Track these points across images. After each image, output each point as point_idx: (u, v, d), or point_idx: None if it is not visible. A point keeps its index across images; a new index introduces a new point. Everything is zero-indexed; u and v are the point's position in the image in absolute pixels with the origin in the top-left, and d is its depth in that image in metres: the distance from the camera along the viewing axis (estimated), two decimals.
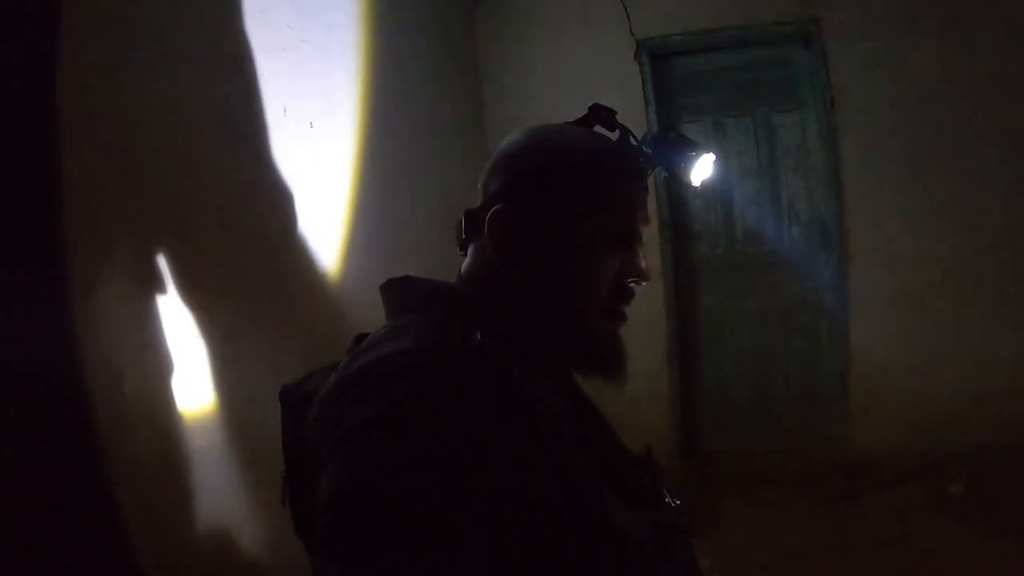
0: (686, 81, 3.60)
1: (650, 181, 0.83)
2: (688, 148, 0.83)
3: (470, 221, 0.77)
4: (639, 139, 0.81)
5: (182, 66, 1.56)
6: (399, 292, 0.75)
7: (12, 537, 1.12)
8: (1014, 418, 3.01)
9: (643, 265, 0.76)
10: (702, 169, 0.86)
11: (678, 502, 0.78)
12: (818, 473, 3.17)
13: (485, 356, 0.62)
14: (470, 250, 0.78)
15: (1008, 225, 3.14)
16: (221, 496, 1.56)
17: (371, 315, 0.77)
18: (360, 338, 0.73)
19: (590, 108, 0.82)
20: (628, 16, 3.41)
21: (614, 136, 0.80)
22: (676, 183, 3.38)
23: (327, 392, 0.64)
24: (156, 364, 1.43)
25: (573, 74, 3.45)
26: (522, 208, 0.73)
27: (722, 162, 3.54)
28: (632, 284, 0.76)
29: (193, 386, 1.51)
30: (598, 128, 0.82)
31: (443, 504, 0.52)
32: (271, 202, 1.87)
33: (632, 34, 3.44)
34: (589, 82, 3.38)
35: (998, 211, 3.15)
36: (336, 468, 0.56)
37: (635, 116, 3.32)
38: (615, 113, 0.82)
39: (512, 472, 0.58)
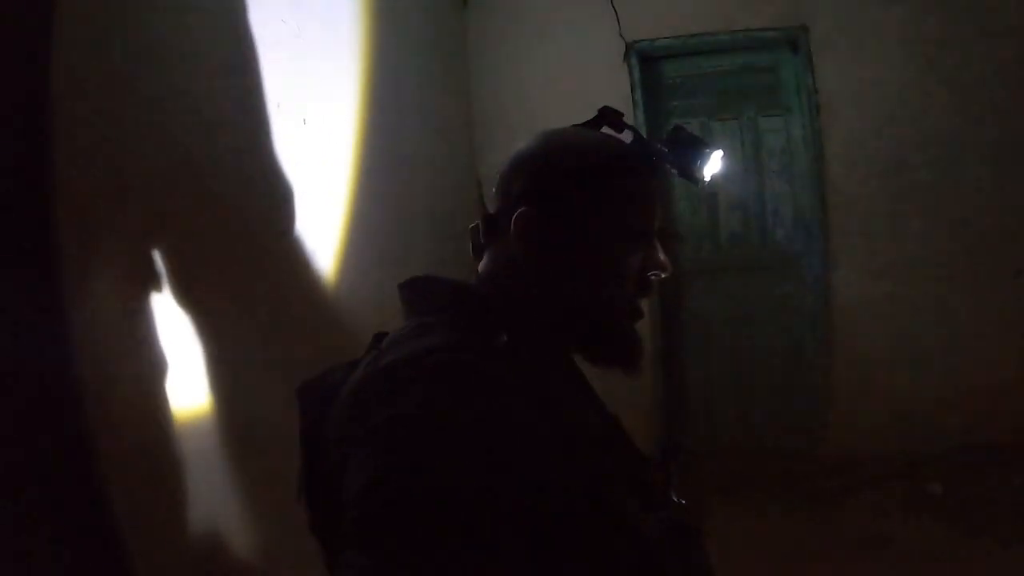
0: (674, 84, 3.63)
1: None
2: (700, 145, 0.84)
3: (490, 225, 0.78)
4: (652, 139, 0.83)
5: (175, 63, 1.54)
6: (422, 291, 0.76)
7: (3, 538, 1.09)
8: (994, 417, 3.08)
9: (662, 258, 0.79)
10: (712, 165, 0.88)
11: (683, 501, 0.80)
12: (799, 473, 3.20)
13: (511, 356, 0.63)
14: (488, 253, 0.79)
15: (991, 228, 3.21)
16: (215, 498, 1.54)
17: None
18: (379, 337, 0.73)
19: (599, 111, 0.84)
20: (618, 18, 3.43)
21: (623, 138, 0.81)
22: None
23: (354, 387, 0.64)
24: (150, 364, 1.40)
25: (562, 75, 3.45)
26: (547, 209, 0.74)
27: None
28: (653, 276, 0.79)
29: (187, 387, 1.48)
30: (606, 130, 0.83)
31: (475, 501, 0.53)
32: (265, 200, 1.85)
33: (622, 36, 3.46)
34: (578, 83, 3.37)
35: (981, 215, 3.21)
36: (366, 463, 0.56)
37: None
38: (623, 115, 0.84)
39: (541, 471, 0.58)
